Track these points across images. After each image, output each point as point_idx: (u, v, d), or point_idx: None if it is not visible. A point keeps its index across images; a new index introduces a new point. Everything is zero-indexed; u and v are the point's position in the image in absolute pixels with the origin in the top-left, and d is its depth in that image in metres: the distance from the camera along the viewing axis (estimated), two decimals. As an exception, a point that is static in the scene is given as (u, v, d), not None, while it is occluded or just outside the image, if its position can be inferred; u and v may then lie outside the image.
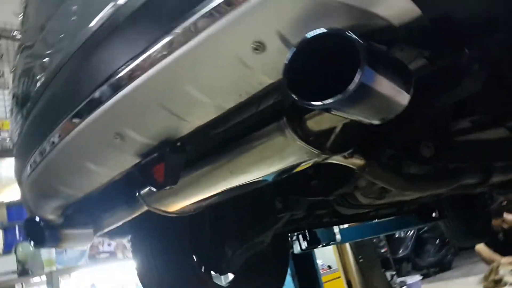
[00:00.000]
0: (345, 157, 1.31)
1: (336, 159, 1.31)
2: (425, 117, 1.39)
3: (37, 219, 1.39)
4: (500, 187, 3.54)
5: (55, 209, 1.43)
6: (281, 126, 1.03)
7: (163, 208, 1.40)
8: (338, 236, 4.21)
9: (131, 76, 0.93)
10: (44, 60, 1.28)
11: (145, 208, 1.42)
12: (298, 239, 3.36)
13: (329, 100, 0.68)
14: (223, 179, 1.21)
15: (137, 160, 1.14)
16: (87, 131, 1.10)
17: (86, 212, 1.50)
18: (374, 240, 7.07)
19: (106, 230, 1.53)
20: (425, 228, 7.70)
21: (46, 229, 1.38)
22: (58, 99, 1.21)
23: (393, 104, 0.76)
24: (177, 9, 0.85)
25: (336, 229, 4.19)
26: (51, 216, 1.43)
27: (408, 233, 7.91)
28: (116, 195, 1.55)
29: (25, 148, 1.38)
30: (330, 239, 4.10)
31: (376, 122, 0.80)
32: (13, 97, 1.54)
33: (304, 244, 3.17)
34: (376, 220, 4.19)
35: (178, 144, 1.07)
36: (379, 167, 1.42)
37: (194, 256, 2.13)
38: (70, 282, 4.75)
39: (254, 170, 1.15)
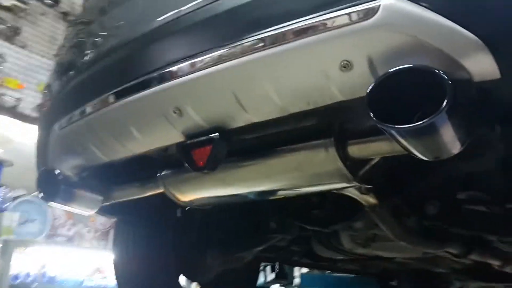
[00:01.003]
0: (361, 192, 1.40)
1: (353, 193, 1.39)
2: (441, 176, 1.50)
3: (56, 171, 1.41)
4: (464, 272, 3.68)
5: (75, 167, 1.46)
6: (327, 144, 1.10)
7: (178, 195, 1.44)
8: (297, 280, 4.24)
9: (218, 59, 1.01)
10: (97, 39, 1.37)
11: (160, 190, 1.47)
12: (265, 270, 3.38)
13: (408, 126, 0.76)
14: (253, 180, 1.27)
15: (182, 139, 1.20)
16: (147, 99, 1.16)
17: (100, 179, 1.53)
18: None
19: (113, 201, 1.56)
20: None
21: (62, 183, 1.40)
22: (119, 68, 1.27)
23: (448, 148, 0.85)
24: (286, 11, 0.93)
25: (296, 272, 4.22)
26: (68, 173, 1.46)
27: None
28: (132, 171, 1.60)
29: (67, 102, 1.42)
30: (289, 281, 4.11)
31: (428, 159, 0.89)
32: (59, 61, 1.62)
33: (271, 277, 3.20)
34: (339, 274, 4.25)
35: (229, 133, 1.14)
36: (388, 211, 1.50)
37: (173, 256, 2.15)
38: (23, 257, 4.62)
39: (286, 178, 1.22)
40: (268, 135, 1.19)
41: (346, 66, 0.89)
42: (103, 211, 1.89)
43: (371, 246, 2.14)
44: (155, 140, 1.27)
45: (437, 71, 0.77)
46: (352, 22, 0.86)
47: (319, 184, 1.27)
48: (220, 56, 1.02)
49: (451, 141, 0.84)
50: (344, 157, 1.11)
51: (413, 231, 1.65)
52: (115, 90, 1.22)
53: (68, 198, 1.45)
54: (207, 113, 1.12)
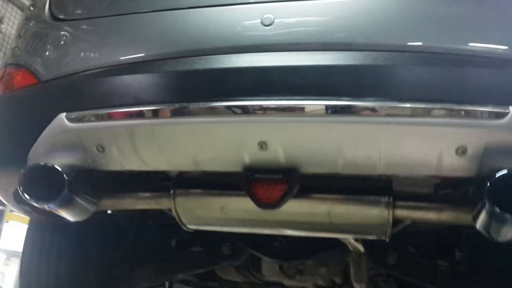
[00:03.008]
0: (356, 240, 1.54)
1: (347, 240, 1.53)
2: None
3: (60, 170, 1.21)
4: None
5: (74, 167, 1.27)
6: (383, 201, 1.21)
7: (184, 216, 1.38)
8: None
9: (337, 110, 1.03)
10: None
11: (165, 206, 1.39)
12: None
13: None
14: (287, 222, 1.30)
15: (246, 170, 1.17)
16: (234, 125, 1.10)
17: (95, 184, 1.36)
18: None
19: (107, 209, 1.40)
20: None
21: (67, 186, 1.20)
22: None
23: None
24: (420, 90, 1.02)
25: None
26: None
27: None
28: (133, 182, 1.47)
29: (95, 90, 1.24)
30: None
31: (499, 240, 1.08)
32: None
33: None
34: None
35: (305, 177, 1.16)
36: (366, 258, 1.67)
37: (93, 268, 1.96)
38: None
39: (331, 221, 1.27)
40: (328, 181, 1.25)
41: (461, 152, 1.03)
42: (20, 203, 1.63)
43: (295, 278, 2.29)
44: (210, 164, 1.21)
45: None
46: (485, 118, 1.00)
47: (350, 233, 1.36)
48: (340, 108, 1.04)
49: None
50: (393, 216, 1.23)
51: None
52: (190, 105, 1.12)
53: (63, 204, 1.25)
54: (296, 154, 1.12)
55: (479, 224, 1.08)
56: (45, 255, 1.82)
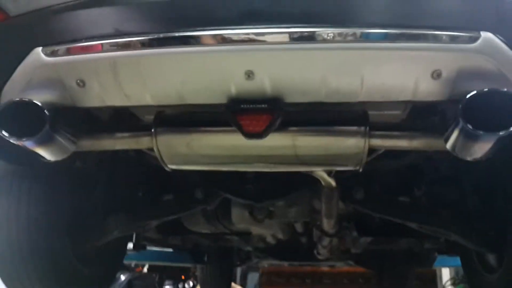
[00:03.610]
0: (329, 175, 1.62)
1: (320, 175, 1.61)
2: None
3: (42, 106, 1.18)
4: (264, 251, 4.35)
5: (54, 104, 1.25)
6: (359, 131, 1.28)
7: (166, 154, 1.39)
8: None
9: (324, 38, 1.07)
10: None
11: (147, 145, 1.40)
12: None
13: (497, 133, 1.02)
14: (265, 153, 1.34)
15: (231, 101, 1.20)
16: (221, 54, 1.12)
17: (75, 125, 1.35)
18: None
19: (87, 149, 1.39)
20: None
21: (48, 122, 1.18)
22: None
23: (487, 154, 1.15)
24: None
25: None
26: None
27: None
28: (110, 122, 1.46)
29: (73, 23, 1.21)
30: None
31: (468, 159, 1.18)
32: None
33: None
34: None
35: (288, 106, 1.20)
36: (337, 193, 1.76)
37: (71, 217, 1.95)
38: None
39: (311, 153, 1.33)
40: (309, 114, 1.30)
41: (436, 75, 1.10)
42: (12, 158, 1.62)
43: (264, 223, 2.37)
44: (195, 96, 1.22)
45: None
46: (458, 42, 1.07)
47: (326, 165, 1.43)
48: (321, 35, 1.06)
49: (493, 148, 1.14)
50: (368, 145, 1.31)
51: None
52: (178, 34, 1.12)
53: (42, 141, 1.23)
54: (282, 83, 1.16)
55: (451, 144, 1.17)
56: (16, 199, 1.79)
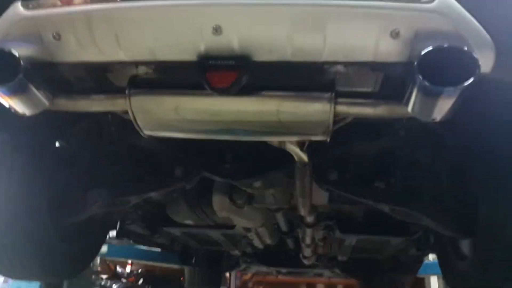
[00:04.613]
0: (301, 149, 1.65)
1: (291, 148, 1.64)
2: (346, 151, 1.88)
3: (16, 54, 1.23)
4: (252, 256, 4.33)
5: (32, 59, 1.29)
6: (326, 97, 1.32)
7: (140, 117, 1.43)
8: (104, 248, 4.18)
9: None
10: None
11: (120, 107, 1.43)
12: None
13: (456, 86, 1.06)
14: (233, 114, 1.38)
15: (199, 58, 1.24)
16: (188, 8, 1.17)
17: (52, 83, 1.39)
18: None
19: (59, 108, 1.42)
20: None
21: (22, 71, 1.23)
22: None
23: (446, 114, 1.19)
24: None
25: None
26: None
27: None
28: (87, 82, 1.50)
29: None
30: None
31: (426, 120, 1.21)
32: None
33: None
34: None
35: (256, 64, 1.24)
36: (310, 170, 1.79)
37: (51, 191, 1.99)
38: None
39: (280, 119, 1.36)
40: (276, 76, 1.33)
41: (394, 35, 1.15)
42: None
43: (244, 209, 2.40)
44: (166, 52, 1.26)
45: (472, 53, 1.09)
46: (415, 2, 1.12)
47: (296, 133, 1.46)
48: None
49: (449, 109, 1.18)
50: (334, 111, 1.35)
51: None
52: None
53: (17, 90, 1.27)
54: (249, 39, 1.20)
55: (411, 106, 1.20)
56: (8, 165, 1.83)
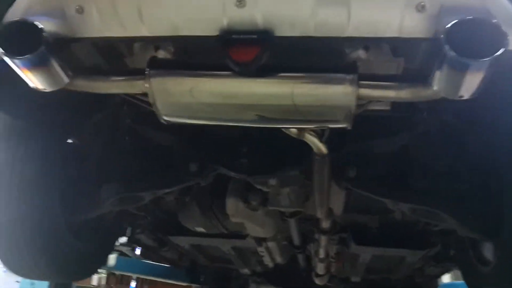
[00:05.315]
0: (320, 140, 1.62)
1: (310, 140, 1.60)
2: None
3: (40, 26, 1.22)
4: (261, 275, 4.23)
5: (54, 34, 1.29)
6: (349, 79, 1.29)
7: (160, 99, 1.41)
8: (112, 261, 4.11)
9: None
10: None
11: (139, 89, 1.42)
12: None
13: (485, 58, 1.03)
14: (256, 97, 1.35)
15: (222, 32, 1.23)
16: None
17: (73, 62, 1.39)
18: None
19: (77, 89, 1.41)
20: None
21: (45, 43, 1.22)
22: None
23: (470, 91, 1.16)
24: None
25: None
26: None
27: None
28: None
29: None
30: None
31: (454, 97, 1.18)
32: None
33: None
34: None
35: (278, 40, 1.22)
36: (329, 163, 1.75)
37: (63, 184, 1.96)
38: None
39: (302, 102, 1.33)
40: (296, 56, 1.32)
41: (420, 8, 1.13)
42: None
43: (258, 211, 2.34)
44: (189, 26, 1.25)
45: (500, 25, 1.07)
46: None
47: (315, 120, 1.42)
48: None
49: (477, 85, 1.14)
50: (357, 94, 1.31)
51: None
52: None
53: (38, 63, 1.26)
54: (272, 12, 1.19)
55: (437, 83, 1.17)
56: (10, 161, 1.81)
